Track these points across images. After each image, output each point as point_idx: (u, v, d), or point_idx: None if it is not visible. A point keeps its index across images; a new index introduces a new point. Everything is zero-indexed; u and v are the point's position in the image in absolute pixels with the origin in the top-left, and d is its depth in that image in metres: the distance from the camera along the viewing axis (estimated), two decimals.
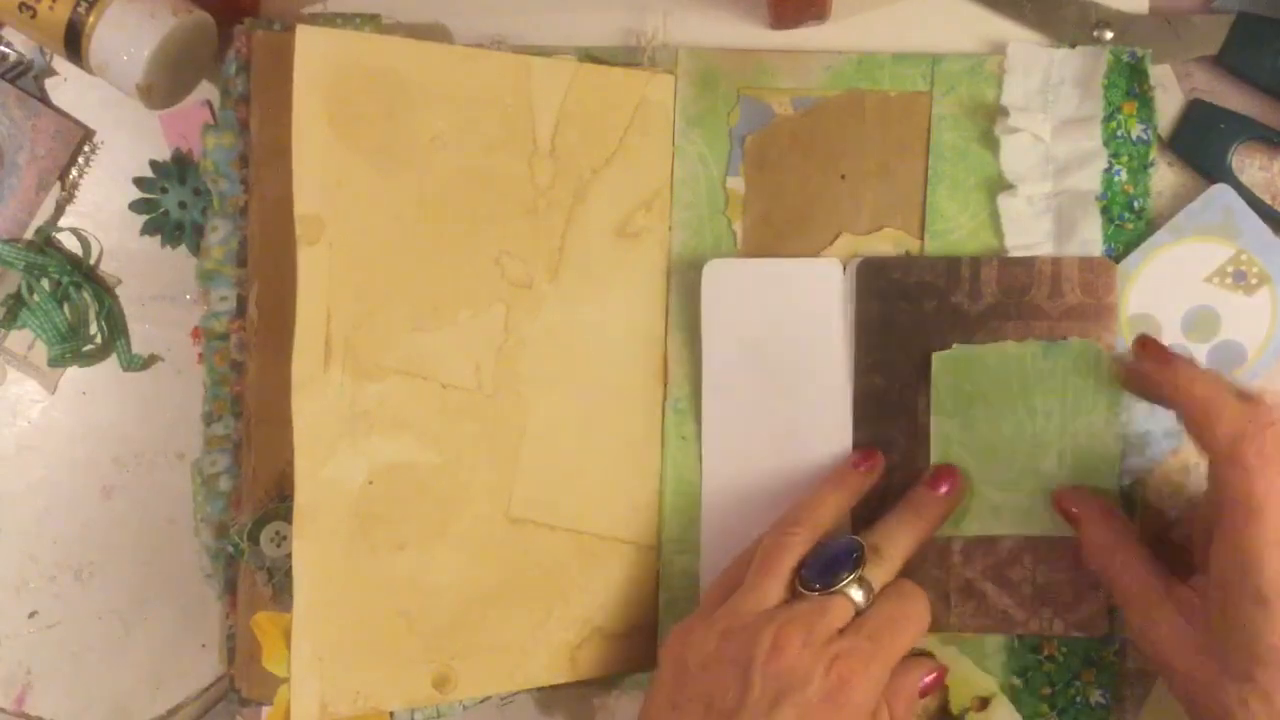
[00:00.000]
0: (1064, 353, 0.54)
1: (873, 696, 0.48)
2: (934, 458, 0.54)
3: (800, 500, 0.53)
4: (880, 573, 0.50)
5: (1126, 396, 0.54)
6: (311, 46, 0.50)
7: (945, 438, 0.54)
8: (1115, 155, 0.55)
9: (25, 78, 0.60)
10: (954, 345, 0.54)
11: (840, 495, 0.53)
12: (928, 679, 0.52)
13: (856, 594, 0.49)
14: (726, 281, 0.55)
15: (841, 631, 0.48)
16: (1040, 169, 0.55)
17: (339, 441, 0.51)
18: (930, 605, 0.51)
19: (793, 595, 0.50)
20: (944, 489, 0.53)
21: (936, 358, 0.54)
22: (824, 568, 0.49)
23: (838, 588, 0.49)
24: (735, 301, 0.55)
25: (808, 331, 0.55)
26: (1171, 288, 0.55)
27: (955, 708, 0.54)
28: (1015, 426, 0.54)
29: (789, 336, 0.55)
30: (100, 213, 0.60)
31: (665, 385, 0.57)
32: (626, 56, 0.57)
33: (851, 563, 0.49)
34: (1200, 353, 0.55)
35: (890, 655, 0.49)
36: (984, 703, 0.54)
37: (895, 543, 0.51)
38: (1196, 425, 0.46)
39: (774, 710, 0.46)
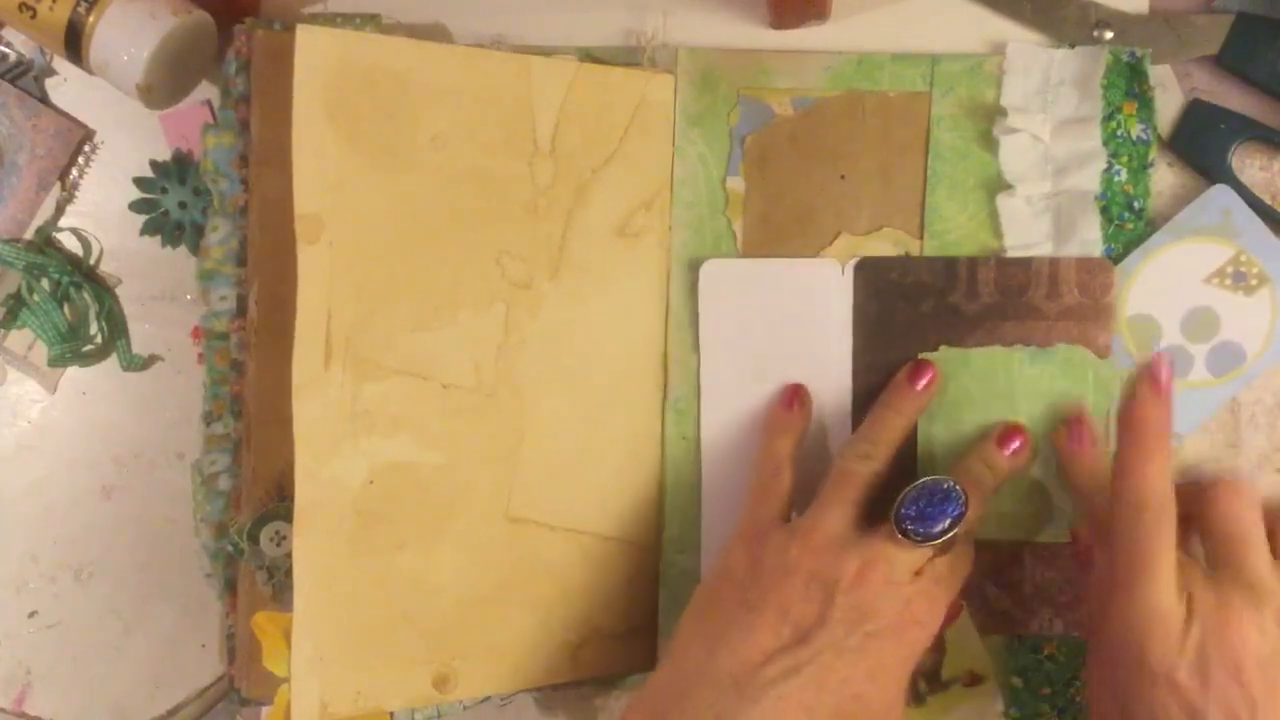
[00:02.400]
0: (1051, 358, 0.54)
1: (932, 635, 0.49)
2: (920, 460, 0.54)
3: (867, 424, 0.53)
4: (971, 521, 0.50)
5: (1113, 403, 0.54)
6: (311, 46, 0.50)
7: (929, 439, 0.54)
8: (1115, 155, 0.55)
9: (25, 78, 0.60)
10: (941, 348, 0.54)
11: (904, 418, 0.53)
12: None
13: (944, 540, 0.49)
14: (725, 281, 0.55)
15: (917, 572, 0.49)
16: (1039, 169, 0.55)
17: (339, 441, 0.51)
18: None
19: (865, 514, 0.50)
20: (1012, 447, 0.53)
21: (923, 360, 0.54)
22: (923, 511, 0.49)
23: (937, 542, 0.49)
24: (734, 301, 0.55)
25: (807, 332, 0.55)
26: (1171, 288, 0.55)
27: (946, 673, 0.54)
28: None
29: (788, 336, 0.55)
30: (100, 213, 0.60)
31: (665, 385, 0.57)
32: (626, 56, 0.57)
33: (954, 519, 0.49)
34: (1199, 353, 0.55)
35: (950, 599, 0.50)
36: (974, 679, 0.54)
37: (984, 491, 0.52)
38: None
39: (849, 634, 0.47)
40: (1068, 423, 0.54)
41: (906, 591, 0.48)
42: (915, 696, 0.54)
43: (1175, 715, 0.45)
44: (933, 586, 0.49)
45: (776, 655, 0.47)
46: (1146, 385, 0.50)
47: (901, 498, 0.49)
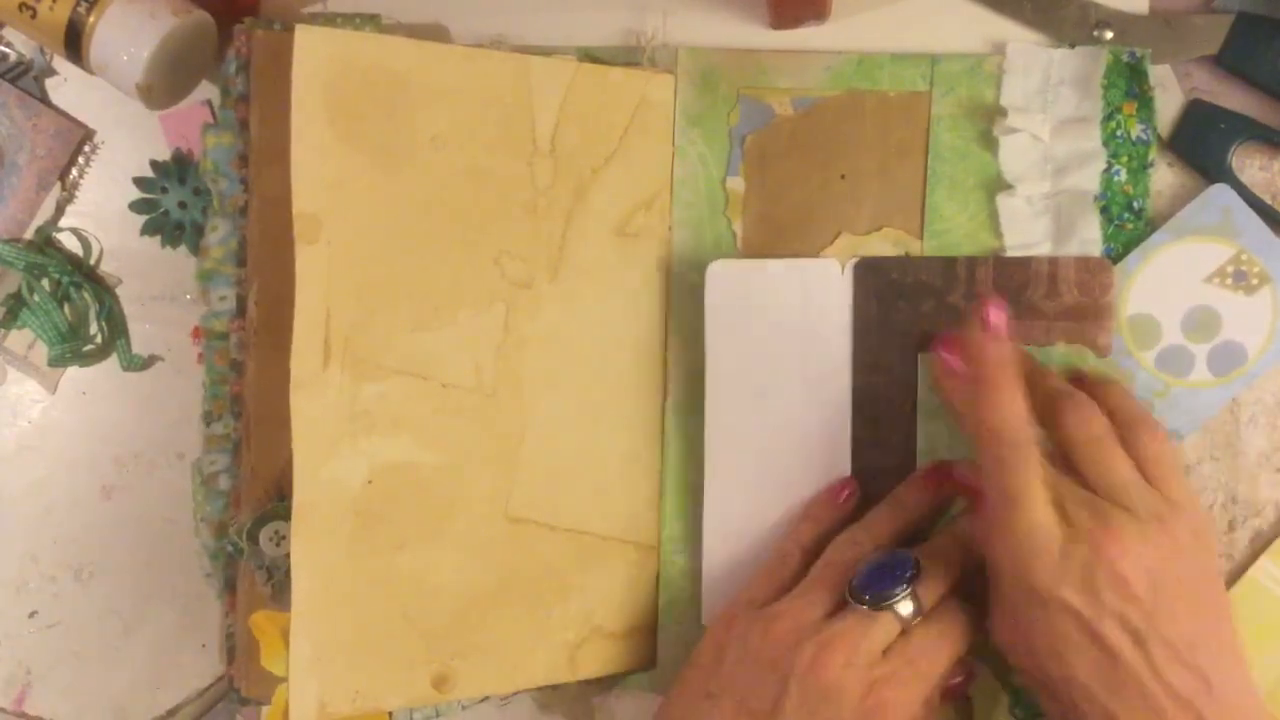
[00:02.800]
0: (1050, 358, 0.54)
1: (906, 718, 0.47)
2: (920, 459, 0.54)
3: (870, 517, 0.52)
4: (932, 588, 0.49)
5: None
6: (311, 46, 0.50)
7: (931, 438, 0.54)
8: (1115, 155, 0.55)
9: (25, 78, 0.60)
10: None
11: (908, 515, 0.52)
12: (953, 681, 0.50)
13: (905, 609, 0.48)
14: (730, 282, 0.55)
15: (886, 651, 0.47)
16: (1039, 169, 0.55)
17: (338, 441, 0.51)
18: (977, 626, 0.49)
19: (841, 604, 0.49)
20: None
21: (923, 358, 0.54)
22: (874, 578, 0.48)
23: (887, 604, 0.47)
24: (738, 302, 0.55)
25: (808, 332, 0.55)
26: (1171, 288, 0.55)
27: None
28: None
29: (790, 337, 0.55)
30: (100, 213, 0.60)
31: (665, 385, 0.57)
32: (626, 56, 0.57)
33: (905, 579, 0.48)
34: (1201, 353, 0.55)
35: (930, 679, 0.48)
36: None
37: (947, 560, 0.50)
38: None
39: None
40: (940, 339, 0.52)
41: (870, 675, 0.46)
42: None
43: (1074, 636, 0.44)
44: (904, 668, 0.47)
45: None
46: (976, 326, 0.49)
47: (854, 569, 0.49)
